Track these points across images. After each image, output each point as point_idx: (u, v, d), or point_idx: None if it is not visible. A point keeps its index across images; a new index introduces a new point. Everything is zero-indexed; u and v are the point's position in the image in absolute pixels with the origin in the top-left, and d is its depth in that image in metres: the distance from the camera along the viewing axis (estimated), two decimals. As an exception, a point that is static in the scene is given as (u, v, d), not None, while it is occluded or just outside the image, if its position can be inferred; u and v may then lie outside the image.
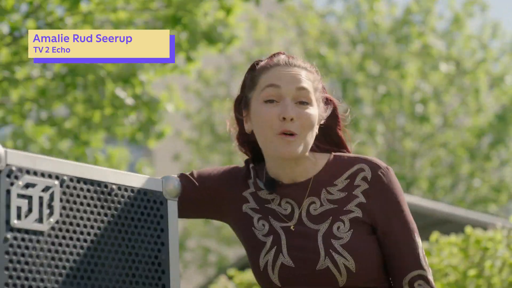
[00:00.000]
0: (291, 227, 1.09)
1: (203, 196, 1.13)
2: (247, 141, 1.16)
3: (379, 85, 9.27)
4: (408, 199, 1.97)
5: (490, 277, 2.41)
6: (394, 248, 1.06)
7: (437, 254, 2.58)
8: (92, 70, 4.06)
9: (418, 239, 1.08)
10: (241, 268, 4.66)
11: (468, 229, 2.61)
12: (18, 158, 0.84)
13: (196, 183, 1.12)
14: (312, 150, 1.12)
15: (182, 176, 1.14)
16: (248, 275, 3.58)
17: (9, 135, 5.18)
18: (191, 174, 1.15)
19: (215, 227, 10.41)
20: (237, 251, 10.28)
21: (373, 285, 1.06)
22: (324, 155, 1.13)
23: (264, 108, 1.07)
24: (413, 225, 1.09)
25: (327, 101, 1.15)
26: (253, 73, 1.12)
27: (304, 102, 1.07)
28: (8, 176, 0.82)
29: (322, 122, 1.13)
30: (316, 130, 1.10)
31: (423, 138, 9.70)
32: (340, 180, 1.09)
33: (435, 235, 2.69)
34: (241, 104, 1.13)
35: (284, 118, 1.04)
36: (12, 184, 0.82)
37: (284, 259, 1.06)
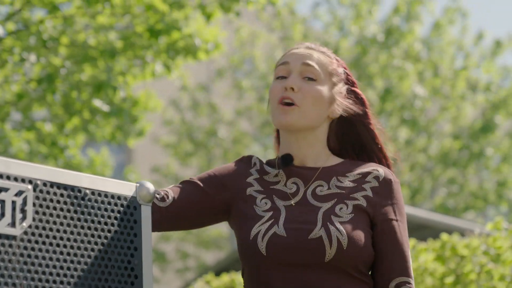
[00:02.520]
0: (293, 203, 1.10)
1: (208, 191, 1.13)
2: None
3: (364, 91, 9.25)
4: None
5: (468, 284, 2.45)
6: (389, 249, 1.08)
7: (414, 259, 2.61)
8: (67, 77, 4.08)
9: (409, 250, 1.11)
10: (219, 272, 4.64)
11: (444, 236, 2.64)
12: None
13: (200, 183, 1.13)
14: (334, 153, 1.17)
15: (184, 182, 1.16)
16: (225, 279, 3.59)
17: None
18: (191, 179, 1.17)
19: (193, 232, 10.38)
20: (216, 255, 10.30)
21: (356, 274, 1.07)
22: (339, 159, 1.16)
23: (275, 84, 1.13)
24: (407, 237, 1.12)
25: (354, 93, 1.18)
26: (278, 63, 1.17)
27: (311, 78, 1.11)
28: None
29: (342, 112, 1.15)
30: (323, 111, 1.12)
31: (403, 144, 9.80)
32: (352, 174, 1.12)
33: (412, 241, 2.72)
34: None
35: (286, 89, 1.09)
36: None
37: (278, 229, 1.06)
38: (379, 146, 1.19)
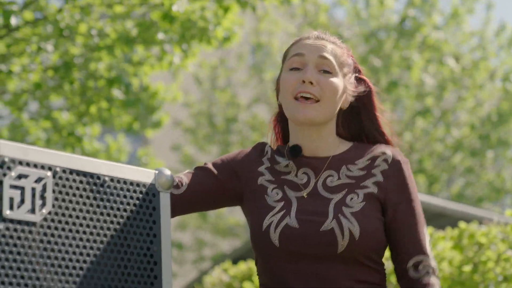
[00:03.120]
0: (304, 195, 1.11)
1: (221, 178, 1.15)
2: (281, 120, 1.21)
3: (381, 78, 9.23)
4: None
5: (485, 273, 2.43)
6: (403, 230, 1.10)
7: (432, 248, 2.58)
8: (84, 65, 4.12)
9: (425, 229, 1.11)
10: (236, 260, 4.69)
11: (462, 224, 2.63)
12: (10, 149, 0.84)
13: (213, 169, 1.15)
14: (342, 137, 1.18)
15: (198, 168, 1.18)
16: (242, 267, 3.62)
17: (7, 127, 5.23)
18: (206, 164, 1.18)
19: (210, 220, 10.51)
20: (233, 243, 10.38)
21: (368, 263, 1.07)
22: (349, 143, 1.17)
23: (288, 75, 1.12)
24: (422, 214, 1.12)
25: (361, 82, 1.18)
26: (287, 49, 1.17)
27: (327, 71, 1.11)
28: (1, 167, 0.83)
29: (352, 99, 1.16)
30: (339, 103, 1.13)
31: (420, 133, 9.73)
32: (362, 160, 1.13)
33: (429, 229, 2.70)
34: (279, 82, 1.17)
35: (303, 82, 1.08)
36: (4, 175, 0.83)
37: (290, 221, 1.07)
38: (382, 132, 1.19)
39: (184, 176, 1.14)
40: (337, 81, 1.11)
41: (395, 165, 1.12)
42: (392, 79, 9.31)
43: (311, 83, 1.08)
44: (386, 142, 1.18)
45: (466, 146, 9.77)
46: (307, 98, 1.08)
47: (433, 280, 1.07)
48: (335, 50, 1.14)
